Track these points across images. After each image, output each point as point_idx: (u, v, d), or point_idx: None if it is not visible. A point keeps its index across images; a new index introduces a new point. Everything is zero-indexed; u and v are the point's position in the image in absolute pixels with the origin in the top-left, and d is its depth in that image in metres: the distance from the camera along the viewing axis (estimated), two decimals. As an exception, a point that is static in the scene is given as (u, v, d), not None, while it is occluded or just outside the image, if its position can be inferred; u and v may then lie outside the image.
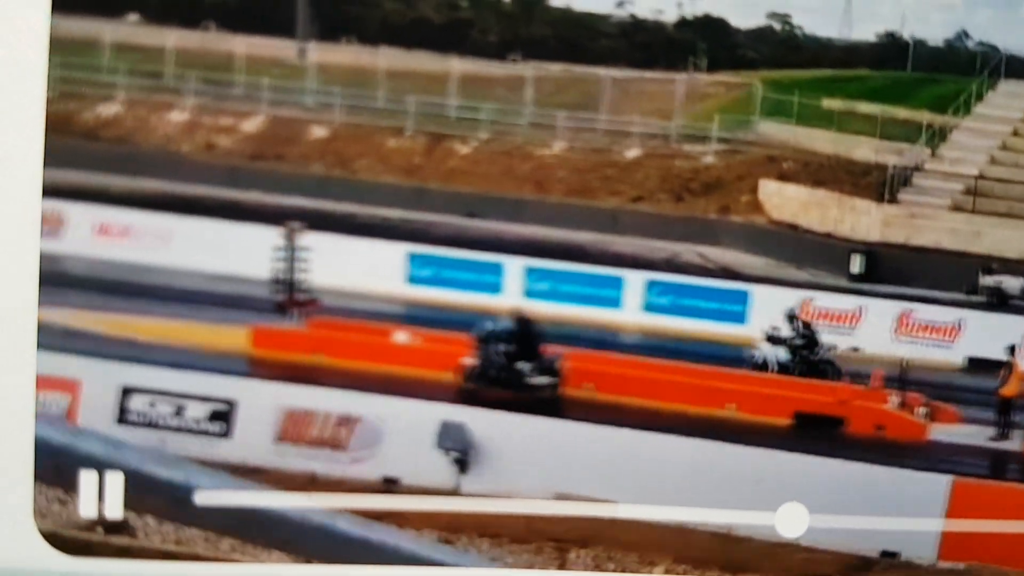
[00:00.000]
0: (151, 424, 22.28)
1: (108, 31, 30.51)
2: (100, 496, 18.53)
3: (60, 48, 30.18)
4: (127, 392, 22.58)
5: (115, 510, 18.53)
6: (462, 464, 21.96)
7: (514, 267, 26.84)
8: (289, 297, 25.71)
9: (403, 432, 22.24)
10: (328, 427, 22.28)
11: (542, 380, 24.25)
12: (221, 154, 29.10)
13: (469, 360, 24.49)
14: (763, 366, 25.09)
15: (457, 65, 29.62)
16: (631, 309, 26.48)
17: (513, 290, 26.66)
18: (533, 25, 28.97)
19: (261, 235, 26.16)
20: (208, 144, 29.29)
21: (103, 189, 27.79)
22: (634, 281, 26.59)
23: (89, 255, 26.43)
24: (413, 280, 27.02)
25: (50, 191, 27.75)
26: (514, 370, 24.18)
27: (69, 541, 18.17)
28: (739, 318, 26.00)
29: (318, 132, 29.87)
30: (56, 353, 23.06)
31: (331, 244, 26.13)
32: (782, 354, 25.07)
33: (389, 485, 21.77)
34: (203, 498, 18.85)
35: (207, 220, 27.26)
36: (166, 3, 30.40)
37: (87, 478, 18.40)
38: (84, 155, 28.94)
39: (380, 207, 28.45)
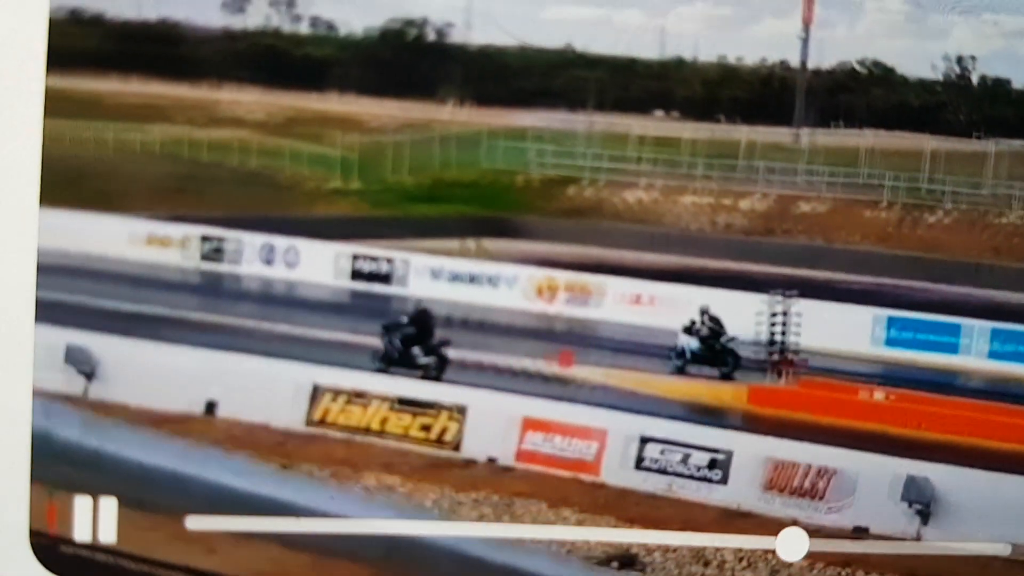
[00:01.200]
0: (661, 470, 21.84)
1: (637, 126, 30.59)
2: (95, 521, 16.84)
3: (598, 142, 30.57)
4: (644, 441, 22.14)
5: (109, 535, 16.81)
6: (924, 516, 20.64)
7: (974, 329, 25.27)
8: (782, 358, 24.81)
9: (874, 484, 21.03)
10: (808, 478, 21.33)
11: (428, 360, 24.91)
12: (722, 229, 28.71)
13: (379, 346, 25.12)
14: (681, 354, 25.43)
15: (930, 143, 28.24)
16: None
17: (973, 350, 25.15)
18: (997, 105, 27.31)
19: (754, 301, 25.36)
20: (712, 222, 28.91)
21: (632, 264, 27.88)
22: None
23: (622, 321, 26.52)
24: (886, 342, 25.80)
25: (592, 267, 28.20)
26: (409, 353, 24.81)
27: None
28: None
29: (805, 207, 29.03)
30: (587, 406, 23.21)
31: (812, 308, 25.06)
32: (694, 343, 25.49)
33: (859, 533, 20.62)
34: (194, 523, 17.40)
35: (711, 289, 26.69)
36: (689, 101, 30.34)
37: (81, 503, 16.69)
38: (616, 235, 29.13)
39: (857, 274, 27.38)
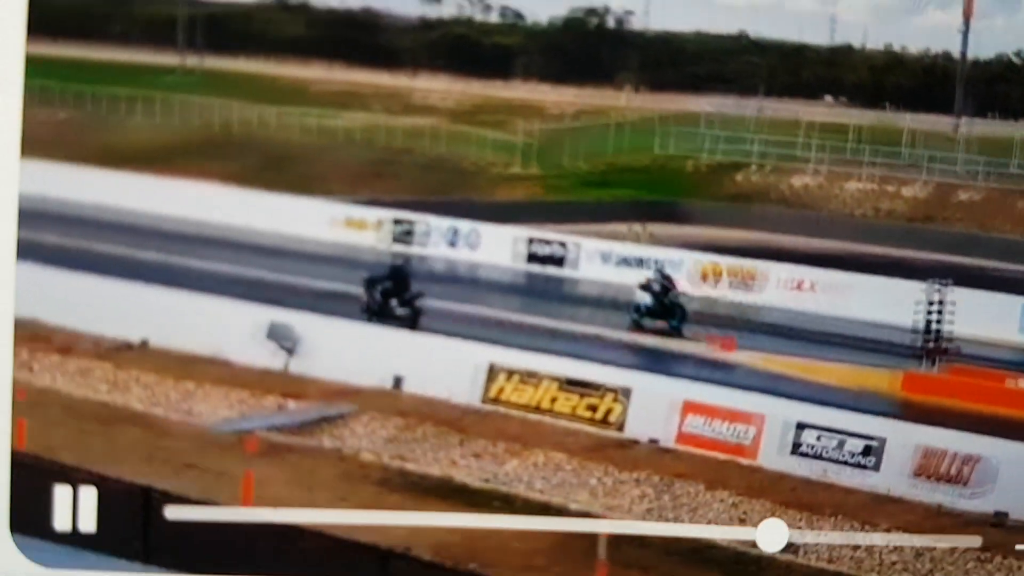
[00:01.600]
0: (817, 456, 21.47)
1: (805, 112, 30.14)
2: (74, 510, 15.87)
3: (768, 127, 30.17)
4: (801, 427, 21.75)
5: (89, 523, 15.84)
6: (1064, 503, 20.02)
7: None
8: (935, 345, 24.19)
9: (1015, 471, 20.43)
10: (955, 464, 20.81)
11: (404, 311, 25.73)
12: (884, 216, 28.13)
13: (362, 298, 25.87)
14: (637, 308, 26.03)
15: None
16: None
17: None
18: None
19: (909, 288, 24.75)
20: (875, 208, 28.35)
21: (795, 249, 27.50)
22: None
23: (783, 306, 26.17)
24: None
25: (752, 252, 27.82)
26: (388, 305, 25.57)
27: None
28: None
29: (963, 196, 28.29)
30: (746, 391, 22.84)
31: (964, 295, 24.38)
32: (647, 299, 25.98)
33: (999, 519, 20.10)
34: (172, 513, 16.44)
35: (868, 275, 26.13)
36: (857, 88, 29.85)
37: (61, 492, 15.60)
38: (781, 220, 28.72)
39: (1009, 262, 26.56)
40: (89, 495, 15.95)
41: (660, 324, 26.04)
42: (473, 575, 17.58)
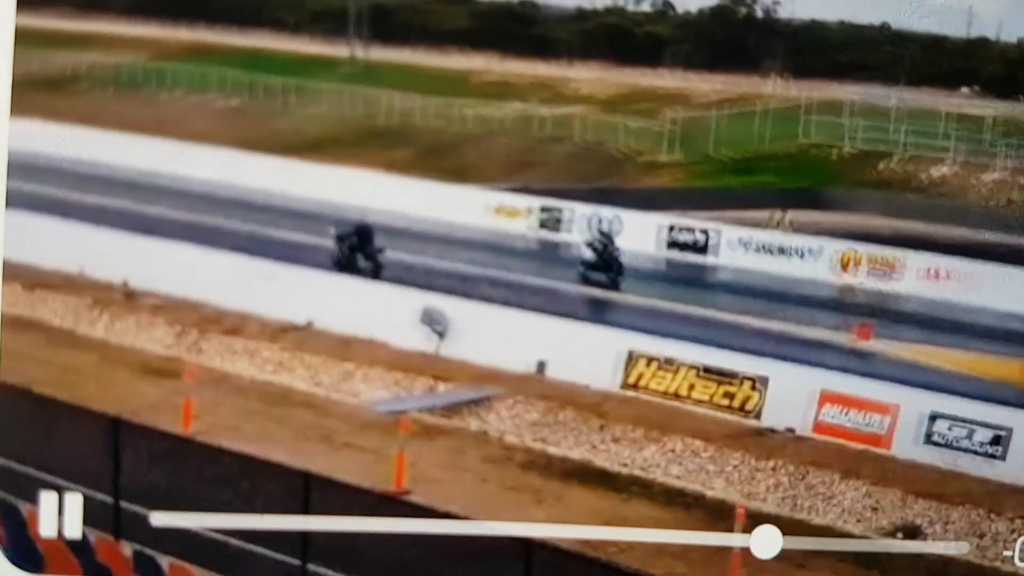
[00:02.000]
0: (948, 445, 20.89)
1: (944, 103, 29.40)
2: (59, 515, 15.16)
3: (908, 117, 29.50)
4: (933, 417, 21.18)
5: (74, 530, 15.16)
6: None
7: None
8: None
9: None
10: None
11: (366, 264, 27.35)
12: (1015, 208, 27.31)
13: (334, 253, 27.42)
14: (582, 263, 27.72)
15: None
16: None
17: None
18: None
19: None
20: (1008, 199, 27.52)
21: (932, 238, 26.85)
22: None
23: (919, 295, 25.58)
24: None
25: (891, 240, 27.14)
26: (353, 257, 27.13)
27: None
28: None
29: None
30: (881, 381, 22.31)
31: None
32: (590, 255, 27.68)
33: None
34: (159, 520, 15.77)
35: (1002, 265, 25.31)
36: (992, 80, 29.03)
37: (47, 498, 14.89)
38: (918, 209, 28.03)
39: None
40: (75, 501, 15.46)
41: (600, 277, 27.38)
42: (613, 564, 17.45)
